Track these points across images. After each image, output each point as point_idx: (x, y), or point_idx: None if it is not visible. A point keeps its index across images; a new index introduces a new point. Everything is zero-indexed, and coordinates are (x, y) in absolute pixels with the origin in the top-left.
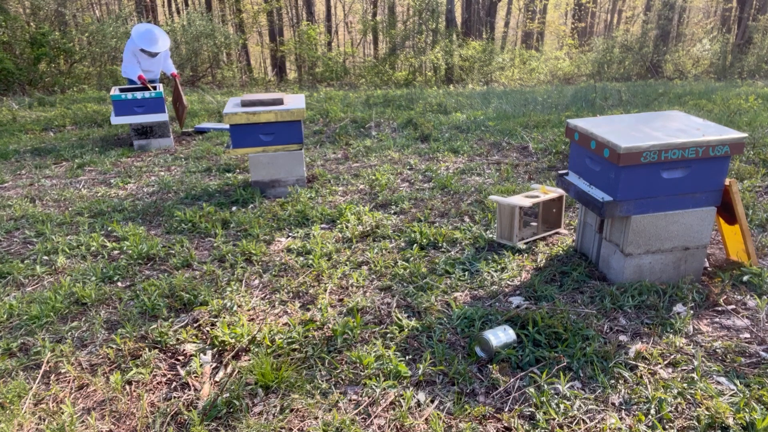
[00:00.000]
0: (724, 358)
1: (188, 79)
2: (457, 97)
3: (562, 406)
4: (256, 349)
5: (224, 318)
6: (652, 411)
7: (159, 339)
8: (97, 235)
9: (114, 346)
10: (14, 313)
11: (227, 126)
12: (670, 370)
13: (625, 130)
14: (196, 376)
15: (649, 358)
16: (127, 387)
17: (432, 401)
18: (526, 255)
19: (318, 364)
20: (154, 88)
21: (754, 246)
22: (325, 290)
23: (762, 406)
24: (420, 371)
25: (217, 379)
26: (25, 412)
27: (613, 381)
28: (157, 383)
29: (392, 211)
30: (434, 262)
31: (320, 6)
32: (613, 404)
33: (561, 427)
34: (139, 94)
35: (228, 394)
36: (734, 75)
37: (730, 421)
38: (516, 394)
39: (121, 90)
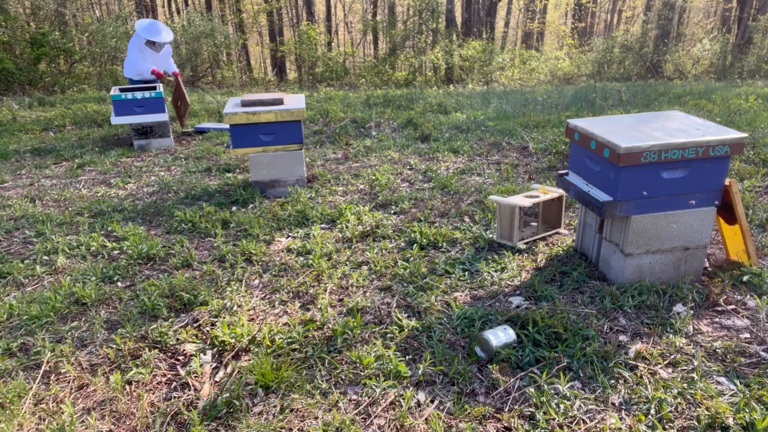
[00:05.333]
0: (724, 358)
1: (188, 79)
2: (457, 97)
3: (562, 406)
4: (256, 349)
5: (224, 318)
6: (652, 411)
7: (159, 339)
8: (97, 235)
9: (114, 346)
10: (14, 313)
11: (227, 126)
12: (670, 370)
13: (625, 130)
14: (196, 376)
15: (649, 358)
16: (127, 387)
17: (432, 401)
18: (526, 255)
19: (318, 364)
20: (165, 78)
21: (754, 246)
22: (325, 290)
23: (762, 406)
24: (420, 371)
25: (217, 379)
26: (25, 412)
27: (613, 381)
28: (157, 383)
29: (392, 211)
30: (434, 262)
31: (320, 6)
32: (613, 404)
33: (561, 427)
34: (139, 94)
35: (228, 394)
36: (734, 75)
37: (730, 421)
38: (516, 394)
39: (121, 90)
